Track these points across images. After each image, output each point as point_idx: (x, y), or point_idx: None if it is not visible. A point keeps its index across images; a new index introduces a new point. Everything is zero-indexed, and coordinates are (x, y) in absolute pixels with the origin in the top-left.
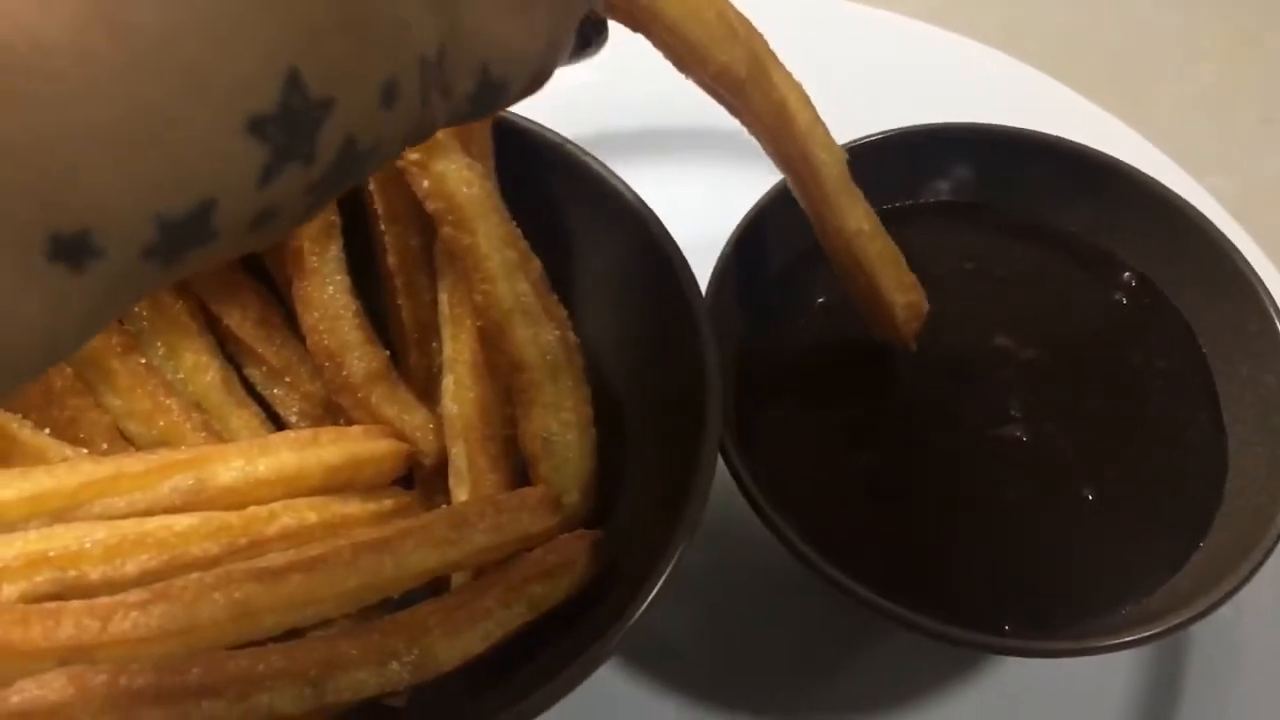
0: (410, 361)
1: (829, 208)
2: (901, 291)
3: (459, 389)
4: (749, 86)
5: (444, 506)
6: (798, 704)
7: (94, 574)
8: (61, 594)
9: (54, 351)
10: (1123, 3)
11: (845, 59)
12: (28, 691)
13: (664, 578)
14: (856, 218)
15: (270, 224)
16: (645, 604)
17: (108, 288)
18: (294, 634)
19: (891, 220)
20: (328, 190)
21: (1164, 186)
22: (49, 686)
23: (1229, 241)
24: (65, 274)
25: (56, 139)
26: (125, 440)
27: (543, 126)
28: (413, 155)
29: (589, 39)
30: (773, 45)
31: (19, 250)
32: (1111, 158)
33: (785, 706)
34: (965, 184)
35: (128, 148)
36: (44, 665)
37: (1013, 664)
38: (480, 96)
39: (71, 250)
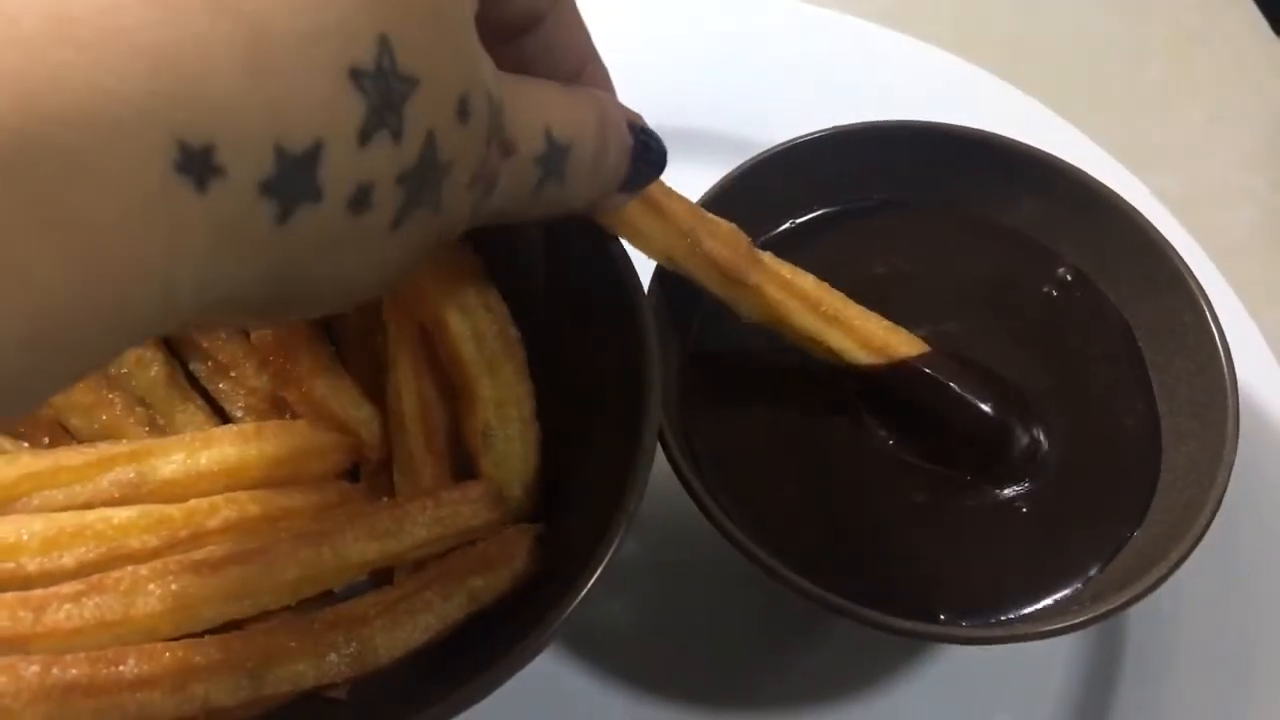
0: (354, 356)
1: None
2: (865, 351)
3: (403, 383)
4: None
5: (386, 499)
6: (741, 692)
7: (31, 566)
8: None
9: (170, 292)
10: (1069, 7)
11: (797, 59)
12: None
13: (601, 568)
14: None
15: (365, 214)
16: (582, 594)
17: (225, 224)
18: (234, 626)
19: (836, 218)
20: (415, 192)
21: (1103, 185)
22: None
23: (1164, 239)
24: (190, 193)
25: (190, 46)
26: (68, 435)
27: None
28: None
29: (646, 145)
30: (726, 45)
31: (151, 155)
32: (1051, 155)
33: (729, 695)
34: (906, 180)
35: (253, 66)
36: None
37: (952, 656)
38: (549, 159)
39: (197, 162)
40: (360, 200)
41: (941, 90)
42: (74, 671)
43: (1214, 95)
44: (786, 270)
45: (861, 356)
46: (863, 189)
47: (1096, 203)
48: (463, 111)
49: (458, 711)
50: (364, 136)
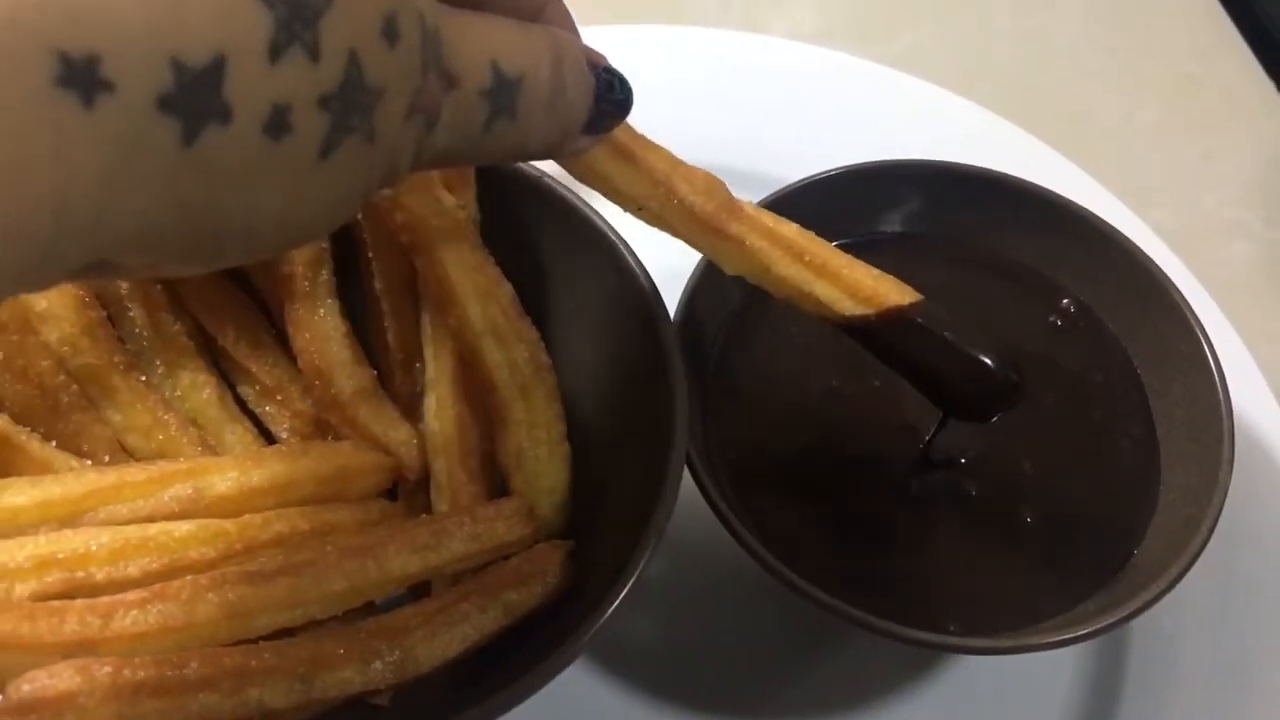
0: (395, 381)
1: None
2: (853, 301)
3: (440, 407)
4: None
5: (425, 516)
6: (760, 703)
7: (99, 575)
8: (69, 593)
9: (63, 217)
10: (1071, 50)
11: (813, 100)
12: (38, 681)
13: (630, 584)
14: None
15: (286, 139)
16: (611, 609)
17: (119, 139)
18: (285, 634)
19: (852, 249)
20: (341, 117)
21: (1103, 220)
22: (58, 676)
23: (1161, 270)
24: (76, 109)
25: None
26: (126, 453)
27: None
28: (386, 191)
29: (610, 86)
30: (745, 88)
31: (26, 67)
32: (1054, 193)
33: (748, 706)
34: (918, 216)
35: None
36: (50, 659)
37: (960, 668)
38: (498, 93)
39: (81, 76)
40: (277, 123)
41: (950, 130)
42: (141, 673)
43: (1209, 135)
44: (769, 219)
45: (850, 306)
46: (878, 222)
47: (1097, 237)
48: (389, 32)
49: (492, 717)
50: (274, 52)
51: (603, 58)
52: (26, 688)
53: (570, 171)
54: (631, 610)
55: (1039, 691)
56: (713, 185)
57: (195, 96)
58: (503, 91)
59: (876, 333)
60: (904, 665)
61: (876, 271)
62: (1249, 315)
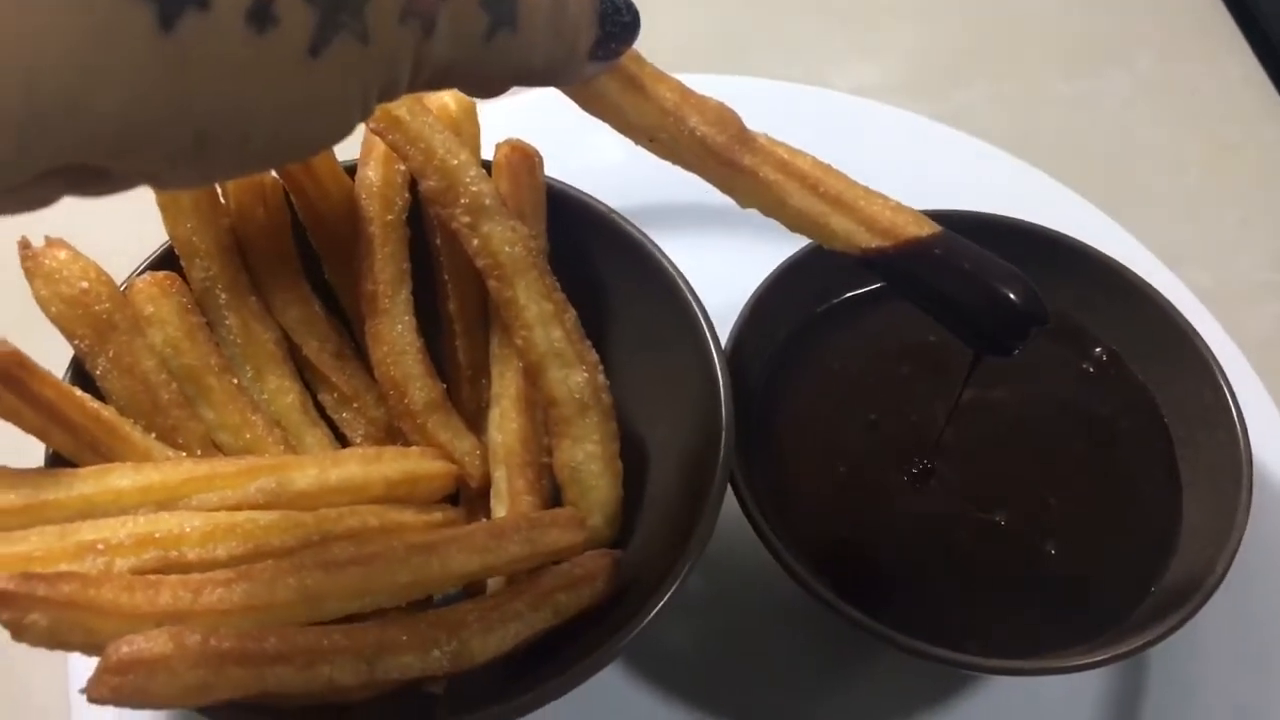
0: (463, 395)
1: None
2: (870, 233)
3: (503, 420)
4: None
5: (484, 520)
6: (788, 715)
7: (191, 555)
8: (163, 569)
9: (34, 97)
10: (1119, 116)
11: (873, 155)
12: (135, 644)
13: (670, 593)
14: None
15: (271, 31)
16: (653, 613)
17: (91, 22)
18: (353, 619)
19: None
20: (329, 12)
21: (1136, 274)
22: (153, 641)
23: (1190, 324)
24: None
25: None
26: (216, 448)
27: (591, 197)
28: (465, 218)
29: (613, 20)
30: (807, 141)
31: None
32: (1091, 247)
33: (776, 716)
34: None
35: None
36: (145, 626)
37: (984, 689)
38: (498, 3)
39: None
40: (260, 13)
41: (997, 184)
42: (226, 644)
43: (1247, 200)
44: (784, 150)
45: (867, 238)
46: None
47: (1130, 291)
48: None
49: (536, 706)
50: None
51: None
52: (125, 649)
53: (579, 102)
54: (673, 622)
55: (1062, 715)
56: (725, 116)
57: None
58: (501, 1)
59: (895, 265)
60: (930, 687)
61: (895, 203)
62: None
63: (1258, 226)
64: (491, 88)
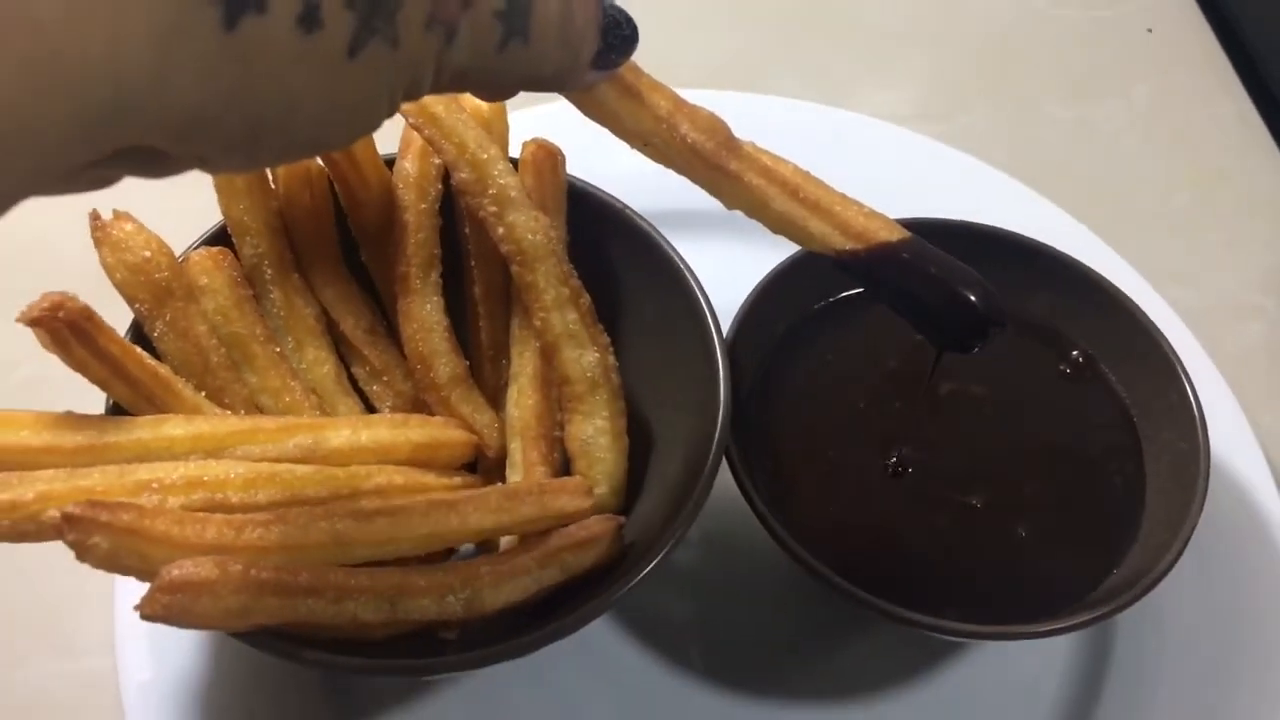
0: (484, 373)
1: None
2: (844, 237)
3: (520, 396)
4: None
5: (500, 484)
6: (782, 682)
7: (234, 498)
8: (209, 509)
9: (121, 84)
10: (1113, 140)
11: (870, 171)
12: (185, 568)
13: (660, 556)
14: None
15: (317, 33)
16: (642, 574)
17: (169, 24)
18: (378, 565)
19: None
20: (366, 18)
21: (1113, 285)
22: (201, 566)
23: (1159, 330)
24: None
25: None
26: (257, 409)
27: (608, 193)
28: (492, 208)
29: (614, 34)
30: (808, 156)
31: None
32: (1071, 258)
33: (771, 683)
34: None
35: None
36: (193, 555)
37: (964, 658)
38: (511, 14)
39: None
40: (309, 17)
41: (990, 199)
42: (264, 575)
43: (1233, 223)
44: (767, 158)
45: (841, 241)
46: None
47: (1107, 300)
48: None
49: (535, 648)
50: None
51: None
52: (176, 572)
53: (581, 107)
54: (672, 594)
55: (1030, 681)
56: (714, 124)
57: None
58: (515, 13)
59: (866, 267)
60: (913, 655)
61: (868, 209)
62: (1255, 385)
63: (1243, 250)
64: (503, 92)
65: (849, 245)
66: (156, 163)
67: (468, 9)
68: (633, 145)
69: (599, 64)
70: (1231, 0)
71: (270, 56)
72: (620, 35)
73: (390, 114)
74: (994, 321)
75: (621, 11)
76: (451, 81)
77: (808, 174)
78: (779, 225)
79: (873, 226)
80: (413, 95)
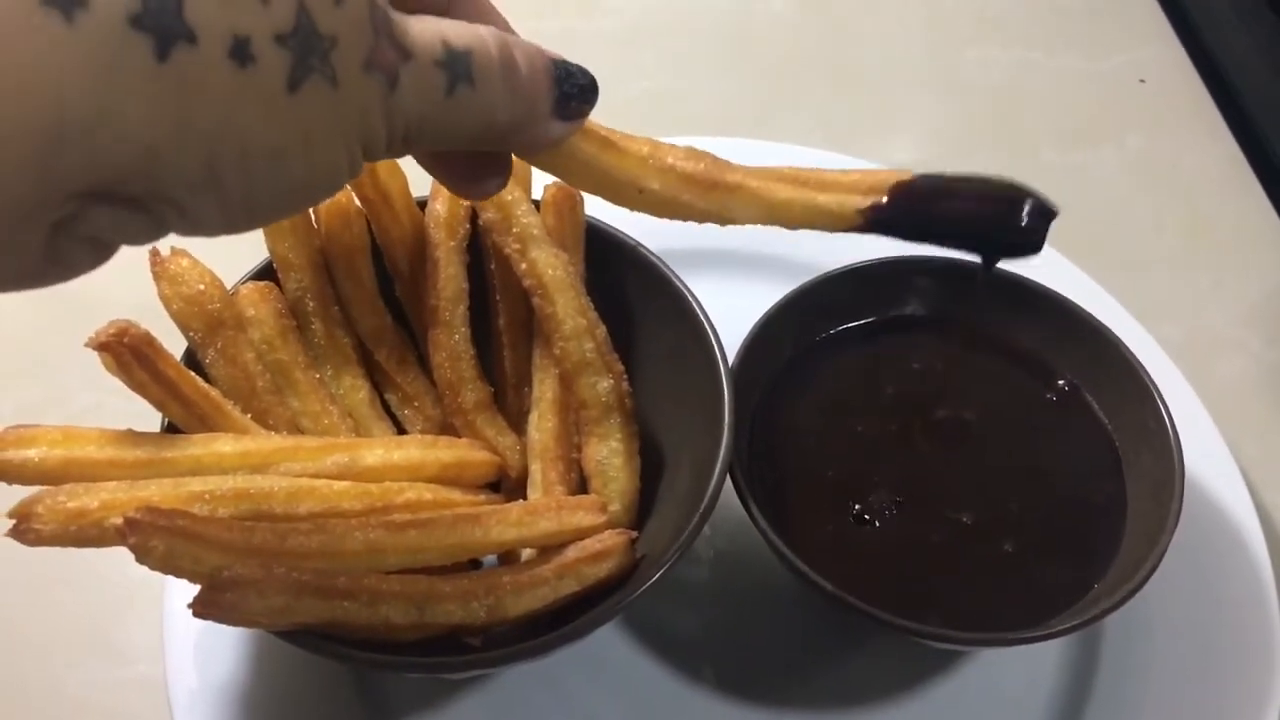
0: (508, 398)
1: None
2: (860, 194)
3: (541, 420)
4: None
5: (521, 500)
6: (785, 693)
7: (278, 509)
8: (256, 518)
9: (66, 114)
10: (1105, 183)
11: None
12: (234, 569)
13: (665, 567)
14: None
15: (251, 68)
16: (649, 583)
17: (101, 53)
18: (409, 573)
19: (887, 323)
20: (301, 56)
21: (1097, 319)
22: (248, 567)
23: (1139, 362)
24: (59, 23)
25: None
26: (299, 430)
27: (623, 232)
28: (515, 245)
29: (569, 83)
30: None
31: None
32: (1058, 293)
33: (775, 694)
34: (939, 303)
35: None
36: (241, 559)
37: (956, 671)
38: (452, 63)
39: None
40: (240, 51)
41: None
42: (305, 578)
43: (1220, 263)
44: (756, 167)
45: (860, 200)
46: (903, 306)
47: (1091, 333)
48: None
49: (548, 650)
50: None
51: (556, 54)
52: (226, 572)
53: (570, 180)
54: (683, 609)
55: (1021, 688)
56: (697, 152)
57: (161, 16)
58: (456, 61)
59: (900, 210)
60: (907, 666)
61: (865, 169)
62: (1240, 418)
63: (1229, 288)
64: (466, 143)
65: (869, 201)
66: (139, 215)
67: (407, 60)
68: (631, 205)
69: (560, 113)
70: (1220, 52)
71: (209, 89)
72: (576, 85)
73: (353, 173)
74: (1049, 206)
75: (572, 64)
76: (409, 133)
77: (799, 166)
78: (794, 214)
79: (880, 176)
80: (371, 150)
